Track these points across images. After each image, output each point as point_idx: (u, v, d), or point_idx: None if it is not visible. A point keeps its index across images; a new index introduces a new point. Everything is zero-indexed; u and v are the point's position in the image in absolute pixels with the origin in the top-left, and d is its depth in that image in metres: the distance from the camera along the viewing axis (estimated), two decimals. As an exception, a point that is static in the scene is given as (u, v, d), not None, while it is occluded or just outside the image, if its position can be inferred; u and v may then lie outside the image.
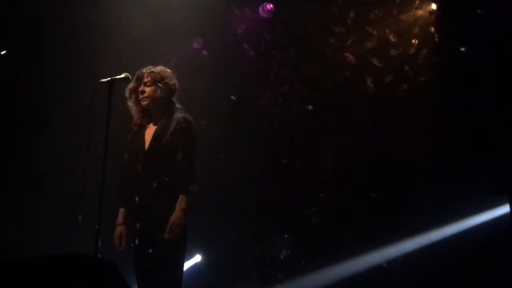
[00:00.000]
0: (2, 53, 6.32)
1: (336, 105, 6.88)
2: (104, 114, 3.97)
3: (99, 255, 3.71)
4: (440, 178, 6.63)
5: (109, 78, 4.09)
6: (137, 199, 4.32)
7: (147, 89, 4.40)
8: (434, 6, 6.69)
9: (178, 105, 4.51)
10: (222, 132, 6.66)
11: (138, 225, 4.31)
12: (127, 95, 4.47)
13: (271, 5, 6.76)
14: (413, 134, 6.74)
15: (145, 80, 4.42)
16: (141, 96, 4.41)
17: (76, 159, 4.46)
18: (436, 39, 6.66)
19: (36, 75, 6.38)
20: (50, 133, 6.41)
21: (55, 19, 6.28)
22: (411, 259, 6.65)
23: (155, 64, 4.63)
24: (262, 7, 6.77)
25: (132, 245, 4.32)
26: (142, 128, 4.48)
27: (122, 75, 4.17)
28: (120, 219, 4.35)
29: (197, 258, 7.02)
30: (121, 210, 4.38)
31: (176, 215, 4.17)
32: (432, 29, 6.65)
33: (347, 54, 6.77)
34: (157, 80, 4.42)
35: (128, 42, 6.40)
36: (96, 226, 3.75)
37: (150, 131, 4.44)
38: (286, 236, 6.73)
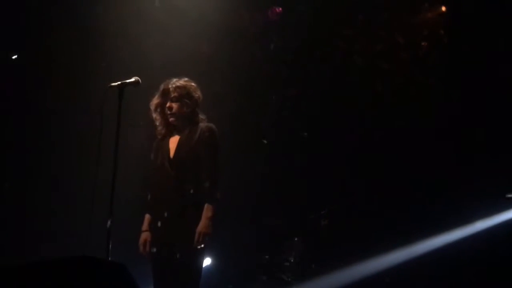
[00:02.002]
0: (14, 57, 6.36)
1: (346, 107, 6.87)
2: (114, 118, 3.99)
3: (109, 258, 3.73)
4: (452, 180, 6.59)
5: (119, 82, 4.11)
6: (161, 206, 4.35)
7: (174, 106, 4.45)
8: (443, 8, 6.68)
9: (201, 116, 4.56)
10: (232, 135, 6.65)
11: (160, 232, 4.33)
12: (152, 108, 4.54)
13: (280, 8, 6.77)
14: (423, 136, 6.72)
15: (172, 95, 4.46)
16: (168, 113, 4.47)
17: (88, 163, 4.48)
18: (446, 41, 6.64)
19: (46, 78, 6.41)
20: (61, 136, 6.44)
21: (65, 24, 6.31)
22: (422, 262, 6.61)
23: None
24: (271, 10, 6.78)
25: (154, 250, 4.35)
26: (166, 137, 4.52)
27: (132, 79, 4.19)
28: (145, 225, 4.42)
29: (207, 261, 7.01)
30: (147, 217, 4.45)
31: (203, 224, 4.24)
32: (442, 31, 6.63)
33: (356, 57, 6.76)
34: (184, 95, 4.47)
35: (138, 46, 6.42)
36: (107, 227, 3.77)
37: (174, 140, 4.50)
38: (295, 239, 6.72)
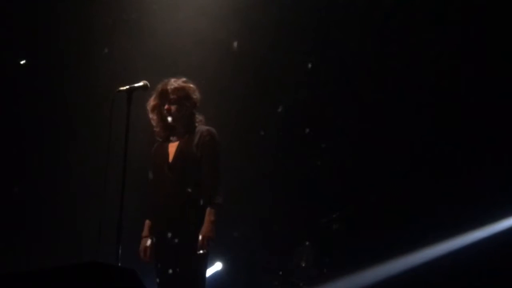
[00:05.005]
0: (22, 62, 6.37)
1: (359, 108, 6.84)
2: (123, 122, 3.97)
3: (119, 263, 3.70)
4: (469, 182, 6.53)
5: (127, 86, 4.09)
6: (162, 211, 4.32)
7: (173, 108, 4.40)
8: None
9: (199, 117, 4.51)
10: (241, 138, 6.64)
11: (162, 237, 4.30)
12: (149, 109, 4.47)
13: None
14: (436, 138, 6.68)
15: (170, 97, 4.40)
16: (167, 114, 4.41)
17: (97, 168, 4.47)
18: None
19: (55, 83, 6.42)
20: (69, 141, 6.44)
21: (73, 28, 6.32)
22: (437, 266, 6.55)
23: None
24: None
25: (156, 256, 4.32)
26: (166, 141, 4.48)
27: (141, 83, 4.16)
28: (145, 231, 4.39)
29: (217, 266, 6.99)
30: (147, 222, 4.41)
31: (206, 228, 4.20)
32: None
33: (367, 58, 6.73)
34: (183, 97, 4.42)
35: (146, 49, 6.42)
36: (117, 232, 3.75)
37: (173, 144, 4.45)
38: (307, 243, 6.68)
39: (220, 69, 6.50)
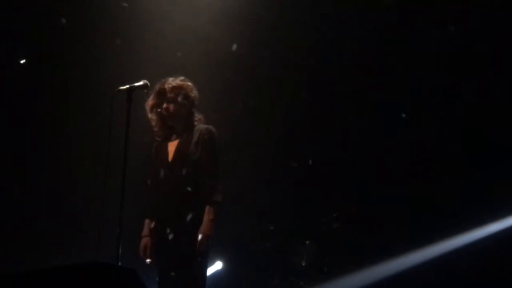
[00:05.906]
0: (22, 62, 6.37)
1: (356, 107, 6.84)
2: (123, 121, 3.97)
3: (119, 263, 3.71)
4: (468, 180, 6.53)
5: (127, 86, 4.09)
6: (161, 210, 4.32)
7: (171, 107, 4.39)
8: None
9: (198, 115, 4.51)
10: (240, 136, 6.64)
11: (162, 236, 4.30)
12: (148, 109, 4.47)
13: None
14: (436, 137, 6.68)
15: (168, 96, 4.40)
16: (165, 113, 4.41)
17: (97, 168, 4.47)
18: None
19: (55, 83, 6.42)
20: (70, 141, 6.44)
21: (74, 27, 6.33)
22: (437, 265, 6.55)
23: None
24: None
25: (156, 256, 4.32)
26: (165, 140, 4.48)
27: (141, 82, 4.16)
28: (145, 230, 4.38)
29: (218, 265, 6.99)
30: (146, 222, 4.40)
31: (205, 227, 4.19)
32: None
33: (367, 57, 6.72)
34: (180, 95, 4.41)
35: (146, 49, 6.42)
36: (117, 232, 3.75)
37: (173, 143, 4.45)
38: (307, 242, 6.69)
39: (220, 68, 6.50)
